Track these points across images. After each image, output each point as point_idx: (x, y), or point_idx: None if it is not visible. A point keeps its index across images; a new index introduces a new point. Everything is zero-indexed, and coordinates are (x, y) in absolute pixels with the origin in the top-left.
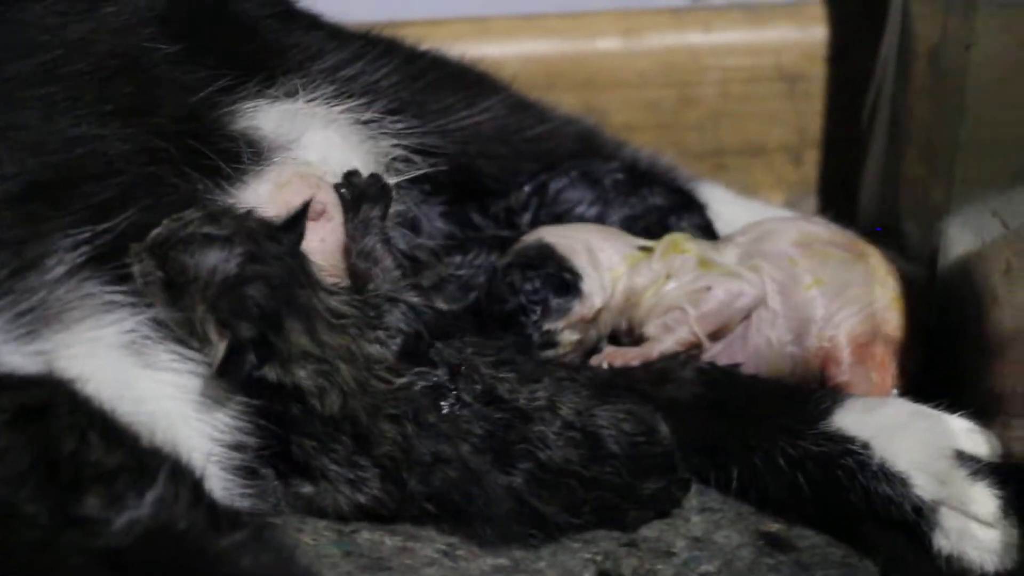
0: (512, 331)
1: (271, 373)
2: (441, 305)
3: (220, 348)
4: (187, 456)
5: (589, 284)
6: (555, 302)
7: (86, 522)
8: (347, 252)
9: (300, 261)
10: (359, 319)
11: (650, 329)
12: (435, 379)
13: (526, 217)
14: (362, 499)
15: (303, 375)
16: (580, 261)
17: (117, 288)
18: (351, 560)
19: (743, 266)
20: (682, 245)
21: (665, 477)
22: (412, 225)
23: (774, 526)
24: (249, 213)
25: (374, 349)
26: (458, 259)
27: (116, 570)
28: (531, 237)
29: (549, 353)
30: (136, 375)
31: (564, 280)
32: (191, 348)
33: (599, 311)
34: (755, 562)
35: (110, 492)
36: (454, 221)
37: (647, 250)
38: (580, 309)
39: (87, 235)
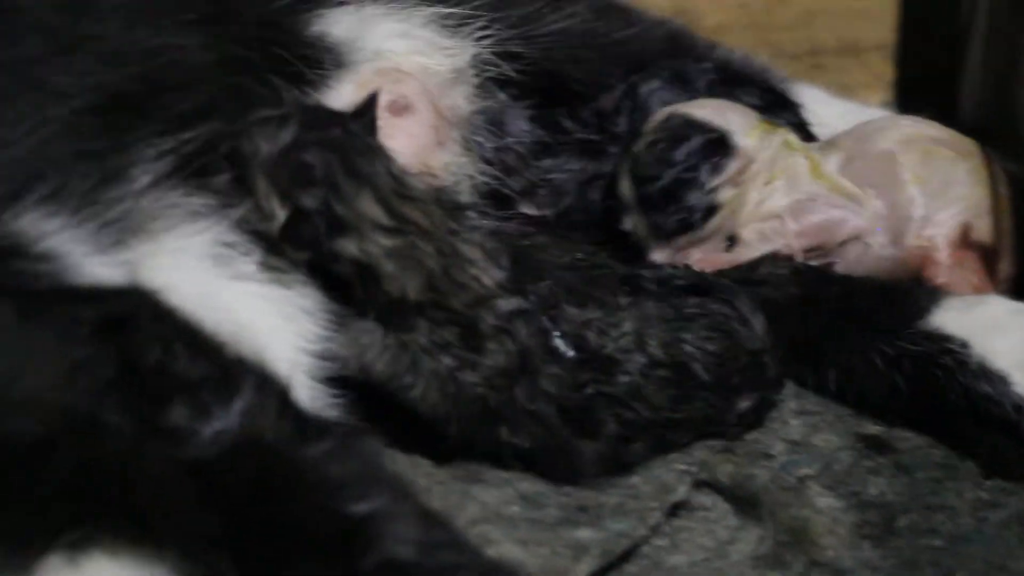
0: (670, 212)
1: (349, 247)
2: (531, 210)
3: (281, 215)
4: (274, 366)
5: (735, 137)
6: (710, 162)
7: (172, 433)
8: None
9: (366, 135)
10: (444, 206)
11: (747, 233)
12: (534, 314)
13: (619, 121)
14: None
15: (379, 251)
16: (719, 120)
17: (202, 197)
18: (445, 470)
19: (849, 178)
20: (794, 144)
21: (756, 390)
22: (499, 127)
23: (873, 428)
24: (315, 103)
25: (473, 252)
26: (548, 163)
27: (203, 480)
28: (660, 115)
29: (713, 222)
30: (222, 285)
31: (712, 140)
32: (278, 256)
33: (749, 162)
34: (855, 465)
35: (196, 403)
36: (542, 125)
37: (770, 124)
38: (734, 162)
39: (171, 145)
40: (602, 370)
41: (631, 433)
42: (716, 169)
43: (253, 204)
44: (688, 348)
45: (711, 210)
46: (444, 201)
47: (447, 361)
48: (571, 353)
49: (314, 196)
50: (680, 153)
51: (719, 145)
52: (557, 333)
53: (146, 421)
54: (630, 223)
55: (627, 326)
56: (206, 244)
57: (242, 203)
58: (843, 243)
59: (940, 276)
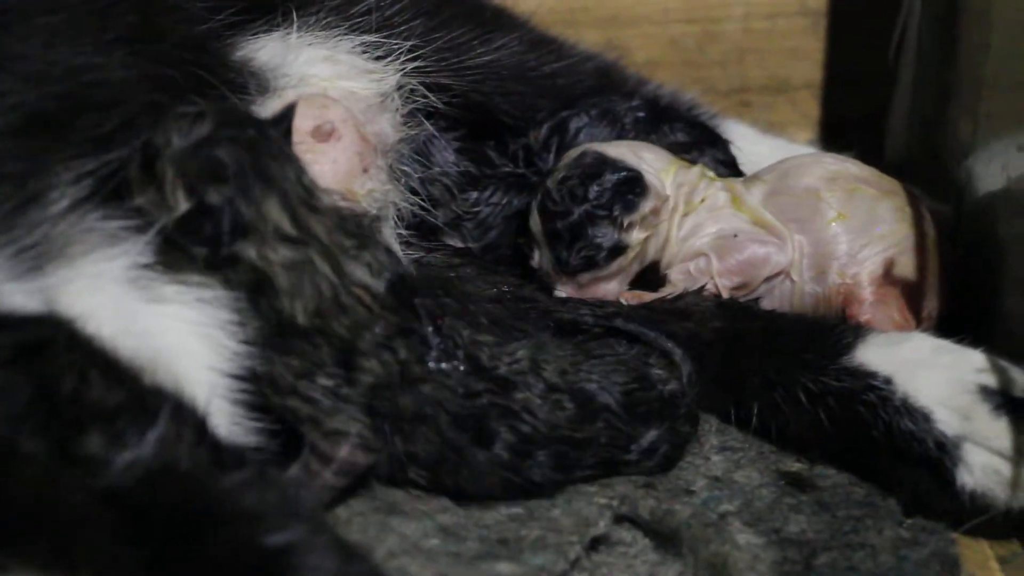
0: (576, 248)
1: (248, 250)
2: (455, 243)
3: (183, 206)
4: (191, 392)
5: (649, 177)
6: (622, 201)
7: (86, 461)
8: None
9: (280, 140)
10: (345, 225)
11: (674, 274)
12: (417, 328)
13: (547, 156)
14: (343, 451)
15: (278, 260)
16: (633, 160)
17: (122, 220)
18: (363, 501)
19: (771, 212)
20: (713, 176)
21: (666, 421)
22: (425, 157)
23: (795, 465)
24: (232, 104)
25: (359, 271)
26: (474, 196)
27: (118, 510)
28: (574, 152)
29: (618, 261)
30: (140, 309)
31: (626, 178)
32: (197, 275)
33: (663, 203)
34: (776, 502)
35: (111, 431)
36: (470, 158)
37: (686, 161)
38: (647, 202)
39: (91, 167)
40: (496, 385)
41: (528, 446)
42: (628, 208)
43: (157, 194)
44: (589, 376)
45: (618, 249)
46: (346, 218)
47: (323, 381)
48: (452, 366)
49: (221, 192)
50: (592, 190)
51: (632, 184)
52: (437, 343)
53: (61, 449)
54: (536, 258)
55: (521, 352)
56: (124, 268)
57: (143, 194)
58: (768, 279)
59: (864, 313)
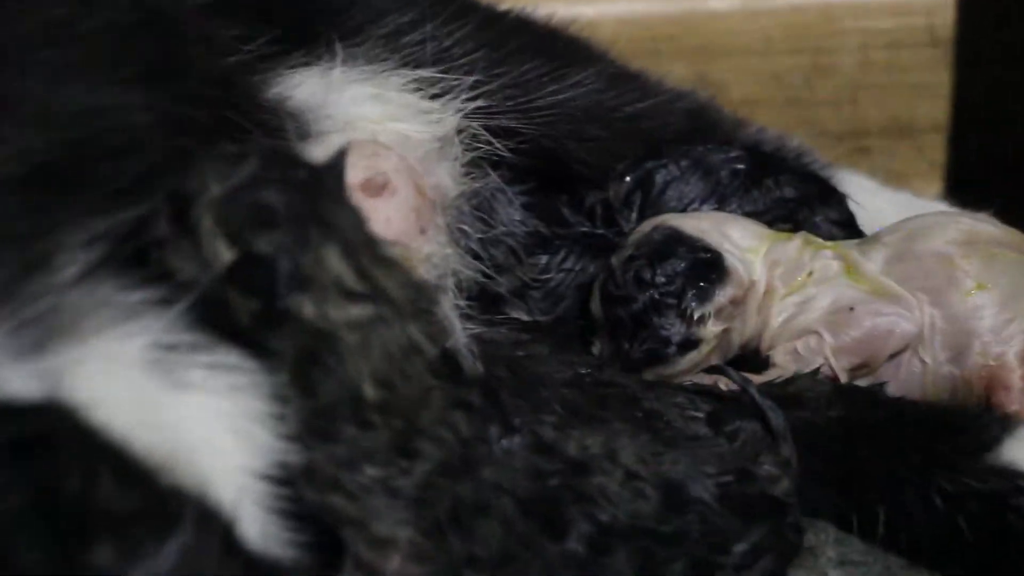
0: (639, 340)
1: (306, 307)
2: (521, 315)
3: (226, 257)
4: (218, 495)
5: (731, 260)
6: (694, 288)
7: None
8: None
9: (336, 184)
10: (411, 282)
11: (779, 356)
12: (474, 401)
13: (629, 213)
14: (393, 563)
15: (342, 319)
16: (714, 239)
17: (142, 291)
18: None
19: (894, 279)
20: (820, 243)
21: (771, 522)
22: (489, 215)
23: None
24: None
25: (419, 335)
26: (543, 260)
27: None
28: (647, 225)
29: (690, 357)
30: (161, 398)
31: (702, 261)
32: (230, 352)
33: (747, 291)
34: None
35: (123, 541)
36: (539, 215)
37: (784, 233)
38: (726, 290)
39: (104, 227)
40: (568, 466)
41: (607, 539)
42: (701, 297)
43: (191, 249)
44: (675, 466)
45: (689, 344)
46: (411, 274)
47: (372, 471)
48: (515, 444)
49: (272, 241)
50: (661, 274)
51: (710, 268)
52: (497, 418)
53: (65, 560)
54: (598, 346)
55: (591, 439)
56: (143, 348)
57: (176, 250)
58: (893, 356)
59: (1013, 401)
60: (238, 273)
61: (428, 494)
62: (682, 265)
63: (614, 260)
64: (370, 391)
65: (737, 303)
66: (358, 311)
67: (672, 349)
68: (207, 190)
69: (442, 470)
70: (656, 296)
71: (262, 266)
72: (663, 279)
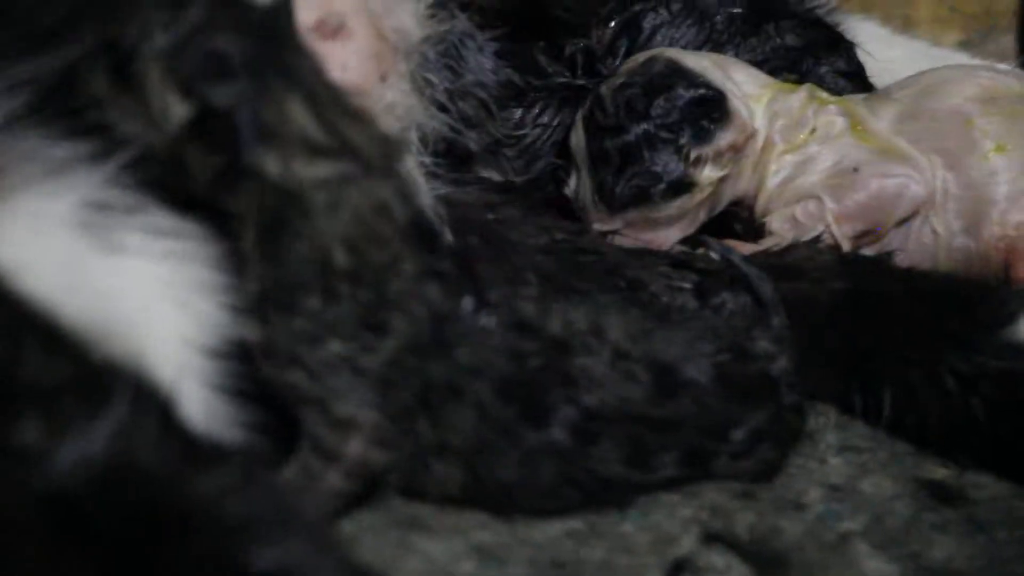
0: (626, 175)
1: (270, 164)
2: (493, 175)
3: (180, 112)
4: (156, 370)
5: (734, 102)
6: (694, 126)
7: (20, 453)
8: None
9: (291, 29)
10: (378, 134)
11: (775, 222)
12: (447, 273)
13: (612, 64)
14: (354, 446)
15: (309, 177)
16: (717, 77)
17: (71, 144)
18: (378, 514)
19: (905, 139)
20: (825, 98)
21: (771, 405)
22: (457, 63)
23: (939, 472)
24: None
25: (390, 194)
26: (517, 114)
27: (61, 517)
28: (641, 55)
29: (679, 202)
30: (92, 262)
31: (704, 97)
32: (171, 215)
33: (748, 139)
34: (915, 518)
35: (51, 416)
36: (512, 64)
37: (789, 84)
38: (728, 134)
39: (27, 73)
40: (550, 345)
41: (593, 426)
42: (700, 136)
43: (134, 104)
44: (667, 345)
45: (681, 186)
46: (376, 127)
47: (335, 347)
48: (492, 321)
49: (230, 92)
50: (658, 105)
51: (711, 106)
52: (472, 292)
53: None
54: (573, 184)
55: (574, 314)
56: (73, 207)
57: (117, 103)
58: (901, 223)
59: None
60: (197, 127)
61: (395, 374)
62: (683, 99)
63: (603, 88)
64: (339, 257)
65: (737, 150)
66: (326, 168)
67: (662, 188)
68: (150, 39)
69: (412, 348)
70: (650, 128)
71: (223, 119)
72: (660, 111)
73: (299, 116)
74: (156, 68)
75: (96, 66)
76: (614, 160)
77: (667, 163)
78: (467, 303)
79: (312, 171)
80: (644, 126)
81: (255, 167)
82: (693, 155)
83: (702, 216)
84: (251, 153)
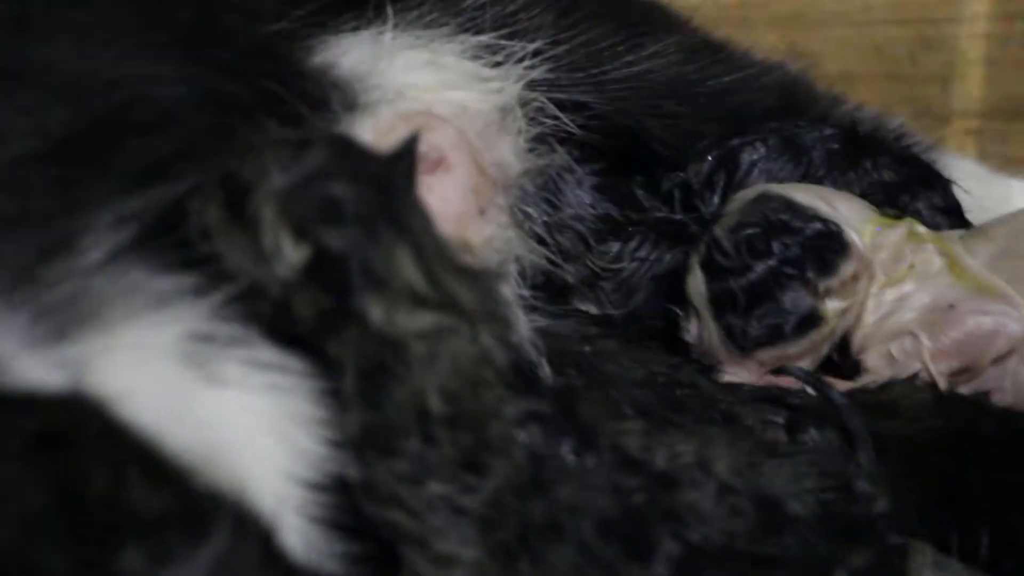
0: (756, 315)
1: (374, 311)
2: (591, 309)
3: (293, 256)
4: (257, 500)
5: (850, 233)
6: (817, 260)
7: None
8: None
9: (406, 181)
10: (481, 287)
11: (871, 359)
12: (547, 414)
13: (711, 197)
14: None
15: (411, 328)
16: (827, 210)
17: (176, 276)
18: None
19: (1001, 277)
20: (924, 235)
21: (874, 545)
22: (555, 196)
23: None
24: (342, 132)
25: (490, 344)
26: (615, 248)
27: None
28: (749, 193)
29: (809, 337)
30: (195, 392)
31: (822, 232)
32: (273, 349)
33: (865, 267)
34: None
35: (154, 545)
36: (610, 198)
37: (889, 218)
38: (849, 264)
39: (134, 207)
40: (654, 480)
41: (698, 562)
42: (824, 269)
43: (247, 240)
44: (772, 479)
45: (811, 320)
46: (479, 278)
47: (436, 488)
48: (595, 460)
49: (343, 237)
50: (778, 243)
51: (831, 239)
52: (573, 432)
53: (89, 566)
54: (694, 330)
55: (682, 447)
56: (176, 338)
57: (230, 239)
58: (998, 361)
59: None
60: (310, 269)
61: (495, 513)
62: (803, 234)
63: (718, 230)
64: (436, 405)
65: (857, 279)
66: (428, 320)
67: (793, 324)
68: (268, 179)
69: (511, 488)
70: (775, 266)
71: (336, 263)
72: (782, 248)
73: (406, 266)
74: (271, 206)
75: (210, 199)
76: (741, 301)
77: (795, 298)
78: (568, 443)
79: (414, 322)
80: (769, 263)
81: (360, 313)
82: (821, 287)
83: (824, 350)
84: (359, 299)
